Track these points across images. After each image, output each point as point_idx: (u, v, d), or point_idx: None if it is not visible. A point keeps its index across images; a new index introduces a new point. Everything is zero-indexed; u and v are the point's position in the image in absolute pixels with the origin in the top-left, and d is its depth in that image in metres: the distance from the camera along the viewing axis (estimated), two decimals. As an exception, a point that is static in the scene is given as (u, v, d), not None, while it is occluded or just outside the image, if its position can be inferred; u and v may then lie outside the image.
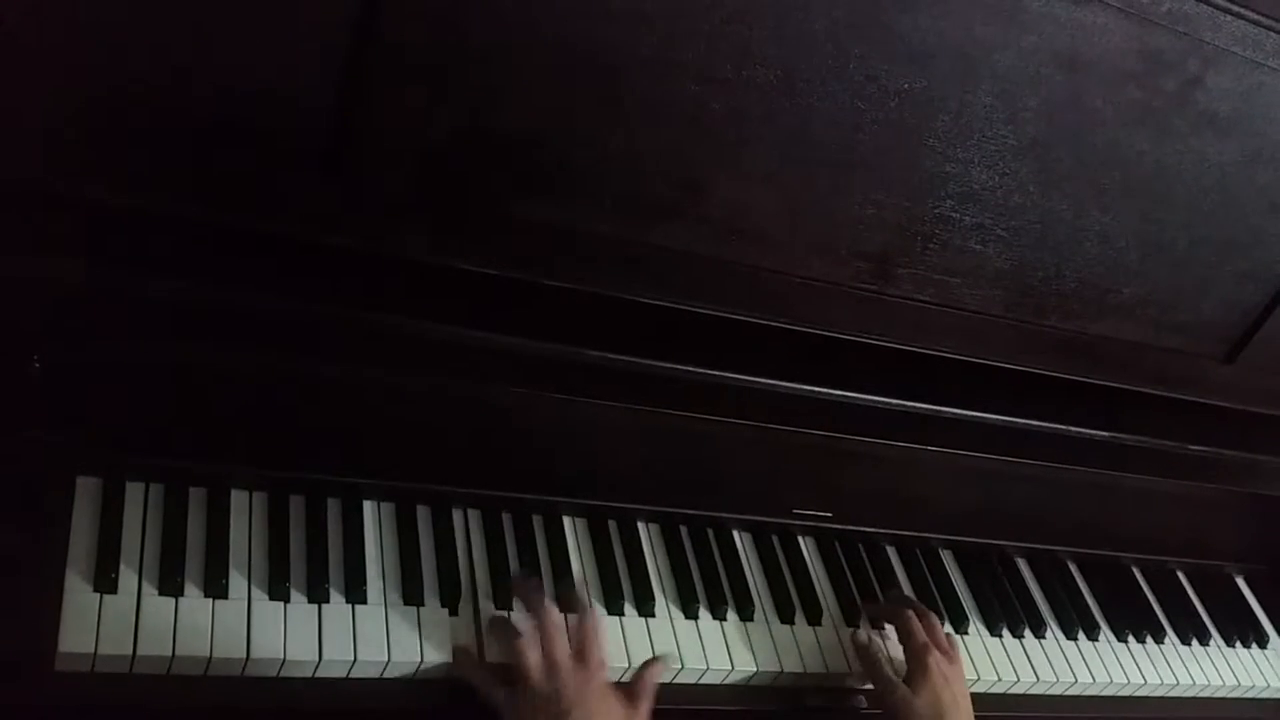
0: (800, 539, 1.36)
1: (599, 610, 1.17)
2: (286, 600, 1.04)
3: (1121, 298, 1.30)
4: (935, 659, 1.20)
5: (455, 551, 1.15)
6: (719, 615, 1.23)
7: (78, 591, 0.97)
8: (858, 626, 1.30)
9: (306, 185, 0.95)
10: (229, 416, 1.05)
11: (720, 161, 1.06)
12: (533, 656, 1.02)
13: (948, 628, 1.36)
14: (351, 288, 0.99)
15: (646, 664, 1.11)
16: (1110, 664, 1.43)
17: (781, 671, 1.22)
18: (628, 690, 1.07)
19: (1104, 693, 1.42)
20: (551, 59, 0.95)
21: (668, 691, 1.14)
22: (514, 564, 1.17)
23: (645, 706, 1.06)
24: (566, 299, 1.07)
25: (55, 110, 0.87)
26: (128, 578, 0.99)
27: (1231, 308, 1.37)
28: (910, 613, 1.26)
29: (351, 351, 1.02)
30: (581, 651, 1.04)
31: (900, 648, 1.25)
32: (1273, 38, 1.11)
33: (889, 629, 1.30)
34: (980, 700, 1.31)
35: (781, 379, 1.19)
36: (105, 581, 0.98)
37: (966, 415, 1.30)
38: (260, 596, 1.03)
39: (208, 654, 0.98)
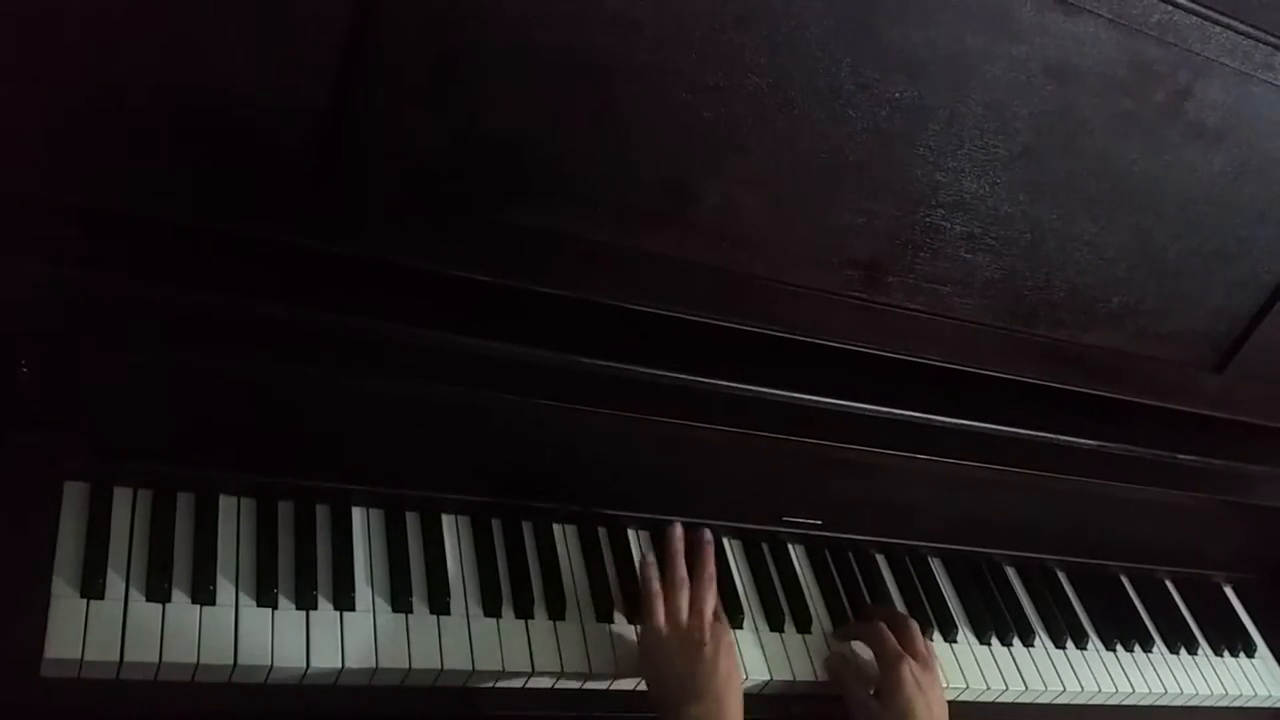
0: (790, 546, 1.36)
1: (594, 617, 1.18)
2: (274, 607, 1.04)
3: (1111, 307, 1.31)
4: (908, 667, 1.20)
5: (444, 558, 1.14)
6: (708, 622, 1.23)
7: (64, 597, 0.96)
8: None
9: (299, 191, 0.95)
10: (217, 422, 1.04)
11: (712, 169, 1.06)
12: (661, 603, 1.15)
13: (935, 637, 1.36)
14: (342, 293, 0.99)
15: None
16: (1098, 672, 1.44)
17: (770, 680, 1.22)
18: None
19: (1092, 701, 1.42)
20: (544, 66, 0.95)
21: (643, 700, 1.14)
22: (503, 570, 1.16)
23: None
24: (557, 305, 1.07)
25: (48, 116, 0.87)
26: (115, 583, 0.99)
27: (1220, 317, 1.37)
28: (881, 624, 1.26)
29: (342, 357, 1.02)
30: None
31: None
32: (1262, 49, 1.12)
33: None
34: (968, 709, 1.31)
35: (771, 386, 1.19)
36: (92, 587, 0.97)
37: (956, 424, 1.30)
38: (248, 603, 1.03)
39: (195, 660, 0.97)
